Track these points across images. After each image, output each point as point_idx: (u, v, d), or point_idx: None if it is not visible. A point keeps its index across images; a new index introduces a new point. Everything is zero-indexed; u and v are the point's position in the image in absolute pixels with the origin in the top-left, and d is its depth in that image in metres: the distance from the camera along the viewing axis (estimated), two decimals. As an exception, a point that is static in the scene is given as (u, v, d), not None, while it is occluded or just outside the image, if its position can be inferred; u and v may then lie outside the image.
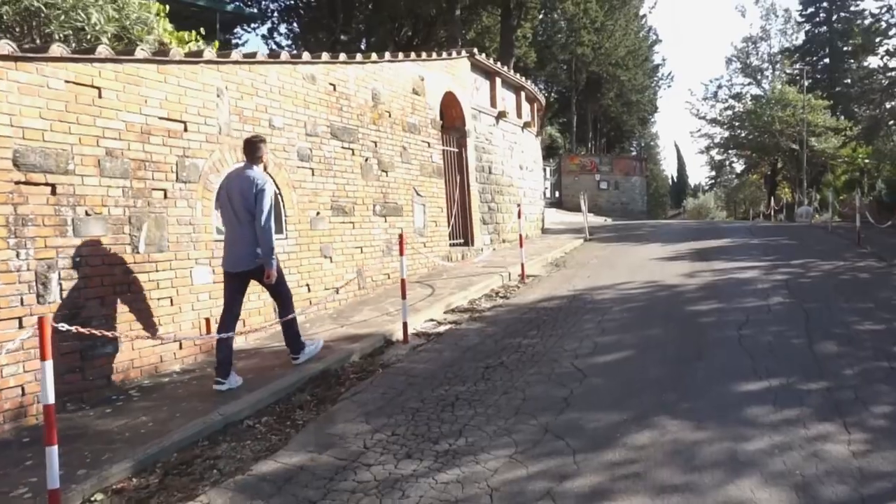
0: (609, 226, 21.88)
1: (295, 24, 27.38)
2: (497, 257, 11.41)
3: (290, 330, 5.50)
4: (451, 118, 11.80)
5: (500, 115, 13.16)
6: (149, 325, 5.38)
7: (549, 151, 44.28)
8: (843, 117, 34.28)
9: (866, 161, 25.93)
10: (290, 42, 27.10)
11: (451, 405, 4.56)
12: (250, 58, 6.61)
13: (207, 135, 5.96)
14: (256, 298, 6.34)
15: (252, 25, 25.40)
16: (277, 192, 6.77)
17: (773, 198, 34.53)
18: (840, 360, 5.16)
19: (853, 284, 8.33)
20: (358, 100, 8.49)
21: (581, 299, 8.00)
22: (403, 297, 6.53)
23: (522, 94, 14.71)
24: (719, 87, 42.34)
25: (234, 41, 22.10)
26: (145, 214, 5.33)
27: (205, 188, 5.90)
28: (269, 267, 5.10)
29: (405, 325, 6.52)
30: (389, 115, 9.24)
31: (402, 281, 6.58)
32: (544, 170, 31.23)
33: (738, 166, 48.73)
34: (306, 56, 7.58)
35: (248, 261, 5.10)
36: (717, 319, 6.56)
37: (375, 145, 8.84)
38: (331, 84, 7.98)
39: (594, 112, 40.13)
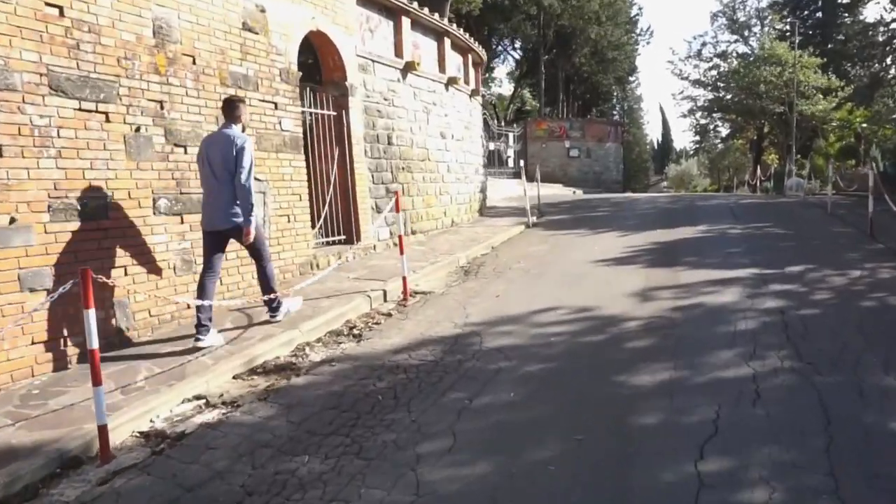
0: (570, 201, 18.89)
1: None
2: (389, 260, 8.40)
3: (268, 287, 5.53)
4: (328, 70, 8.65)
5: (409, 68, 10.01)
6: None
7: (520, 115, 41.01)
8: (834, 77, 31.25)
9: (864, 125, 22.97)
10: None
11: None
12: None
13: None
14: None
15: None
16: None
17: (758, 166, 31.71)
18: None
19: (887, 320, 5.41)
20: (118, 34, 5.34)
21: (463, 348, 5.06)
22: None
23: (447, 41, 11.52)
24: (703, 44, 39.11)
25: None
26: None
27: None
28: (247, 225, 5.18)
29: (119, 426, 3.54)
30: (193, 62, 6.11)
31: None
32: (506, 136, 28.07)
33: (724, 130, 45.80)
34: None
35: (225, 220, 5.18)
36: (666, 421, 3.60)
37: (161, 107, 5.73)
38: (51, 3, 4.83)
39: (566, 71, 36.71)
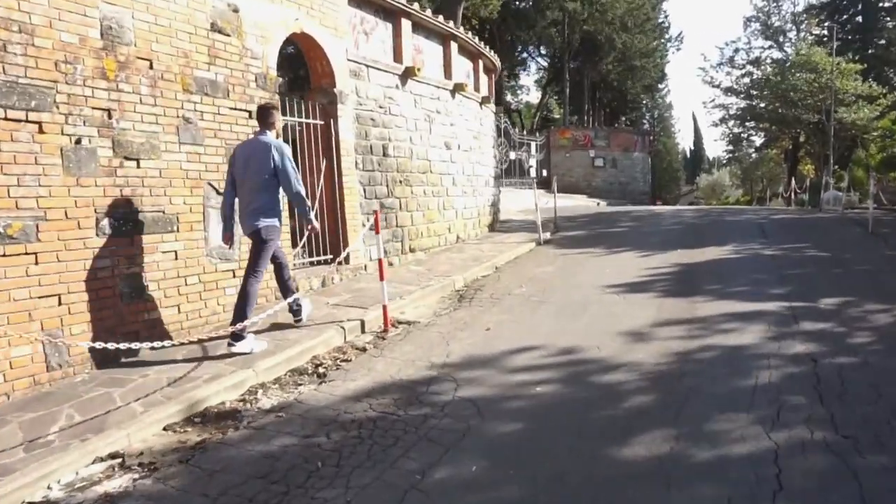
0: (591, 215, 18.00)
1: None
2: (378, 283, 7.69)
3: (244, 299, 5.27)
4: (316, 76, 8.02)
5: (408, 73, 9.33)
6: None
7: (546, 123, 40.15)
8: (875, 84, 29.77)
9: (908, 135, 21.64)
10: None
11: None
12: None
13: None
14: None
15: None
16: None
17: (793, 177, 30.35)
18: None
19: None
20: (57, 35, 4.76)
21: (433, 398, 4.35)
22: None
23: (453, 45, 10.83)
24: (736, 50, 37.69)
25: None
26: None
27: None
28: (310, 222, 5.49)
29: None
30: (150, 66, 5.51)
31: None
32: (528, 145, 27.29)
33: (758, 140, 44.25)
34: None
35: (250, 224, 5.26)
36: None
37: (108, 116, 5.14)
38: (-33, 0, 4.28)
39: (592, 79, 35.74)
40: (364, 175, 8.43)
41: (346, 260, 8.02)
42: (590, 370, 4.69)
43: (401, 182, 9.19)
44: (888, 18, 33.76)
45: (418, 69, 9.46)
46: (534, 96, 54.35)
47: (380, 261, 6.15)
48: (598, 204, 26.05)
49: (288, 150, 5.34)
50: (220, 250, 6.11)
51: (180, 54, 5.79)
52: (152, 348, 4.90)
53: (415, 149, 9.59)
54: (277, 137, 5.51)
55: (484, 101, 12.35)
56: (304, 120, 7.62)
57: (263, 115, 5.43)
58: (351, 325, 6.02)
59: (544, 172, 29.52)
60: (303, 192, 5.38)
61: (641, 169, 31.88)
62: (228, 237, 5.58)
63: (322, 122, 7.88)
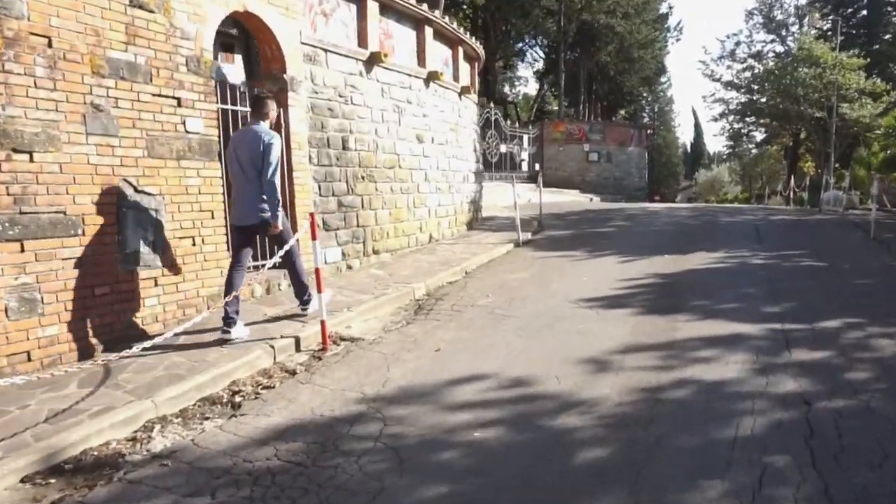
0: (580, 212, 17.24)
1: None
2: (331, 289, 6.98)
3: (298, 280, 5.76)
4: (265, 60, 7.27)
5: (374, 60, 8.57)
6: None
7: (542, 116, 39.28)
8: (879, 80, 28.96)
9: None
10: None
11: None
12: None
13: None
14: None
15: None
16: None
17: (793, 175, 29.60)
18: None
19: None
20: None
21: (353, 442, 3.65)
22: None
23: (428, 31, 10.05)
24: (737, 44, 36.72)
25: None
26: None
27: None
28: (274, 221, 5.31)
29: None
30: (49, 44, 4.77)
31: None
32: (520, 137, 26.50)
33: (758, 135, 43.42)
34: None
35: (254, 216, 5.30)
36: None
37: (-12, 100, 4.39)
38: None
39: (589, 70, 34.86)
40: (319, 170, 7.69)
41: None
42: (543, 410, 3.97)
43: (363, 178, 8.44)
44: (894, 13, 32.89)
45: (385, 55, 8.70)
46: (532, 88, 53.48)
47: (317, 270, 5.40)
48: (591, 200, 25.32)
49: (278, 140, 5.37)
50: (142, 255, 5.39)
51: (89, 32, 5.04)
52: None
53: (381, 142, 8.83)
54: (271, 128, 5.50)
55: (464, 91, 11.59)
56: (246, 109, 6.86)
57: (257, 106, 5.47)
58: (284, 342, 5.30)
59: (536, 166, 28.72)
60: (278, 185, 5.32)
61: (637, 164, 31.09)
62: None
63: (271, 112, 7.11)
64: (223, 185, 6.23)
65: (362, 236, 8.41)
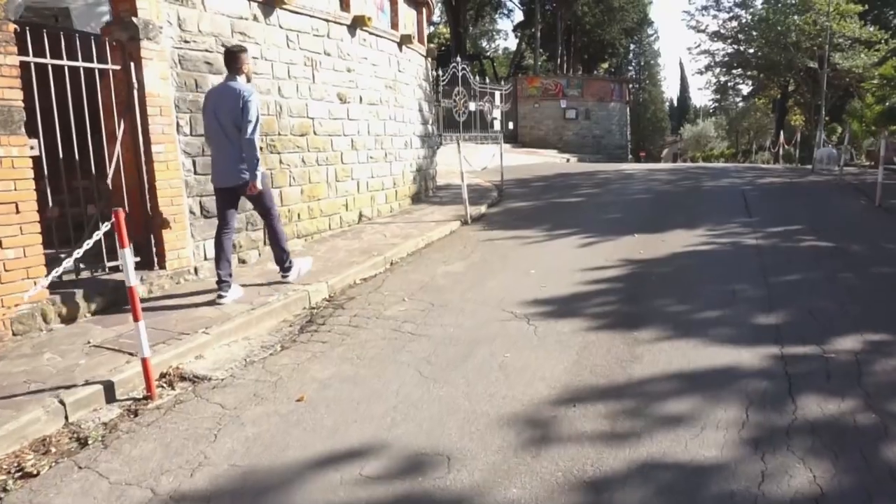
0: (550, 176, 15.62)
1: None
2: (202, 298, 5.41)
3: (278, 246, 5.55)
4: (114, 1, 5.54)
5: (274, 1, 6.82)
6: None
7: (521, 71, 37.23)
8: (874, 27, 27.24)
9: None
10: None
11: None
12: None
13: None
14: None
15: None
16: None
17: (781, 130, 28.03)
18: None
19: None
20: None
21: None
22: None
23: (353, -34, 8.25)
24: (723, -8, 34.61)
25: None
26: None
27: None
28: (254, 180, 5.12)
29: None
30: None
31: None
32: (491, 94, 24.66)
33: (745, 88, 41.70)
34: None
35: (236, 176, 5.15)
36: None
37: None
38: None
39: (567, 21, 32.71)
40: (194, 142, 6.02)
41: (161, 263, 5.68)
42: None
43: (262, 149, 6.77)
44: (890, -46, 30.89)
45: (288, -5, 6.94)
46: (512, 42, 51.15)
47: (130, 290, 3.80)
48: (568, 161, 23.70)
49: (255, 97, 5.16)
50: None
51: None
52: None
53: (287, 103, 7.15)
54: (248, 82, 5.27)
55: (405, 40, 9.82)
56: (83, 64, 5.16)
57: (231, 60, 5.18)
58: (87, 391, 3.74)
59: (510, 125, 26.99)
60: (257, 144, 5.15)
61: (619, 121, 29.34)
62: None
63: (118, 67, 5.42)
64: (46, 163, 4.59)
65: (260, 221, 6.79)
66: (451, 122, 22.09)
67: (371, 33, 8.80)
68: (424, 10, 11.34)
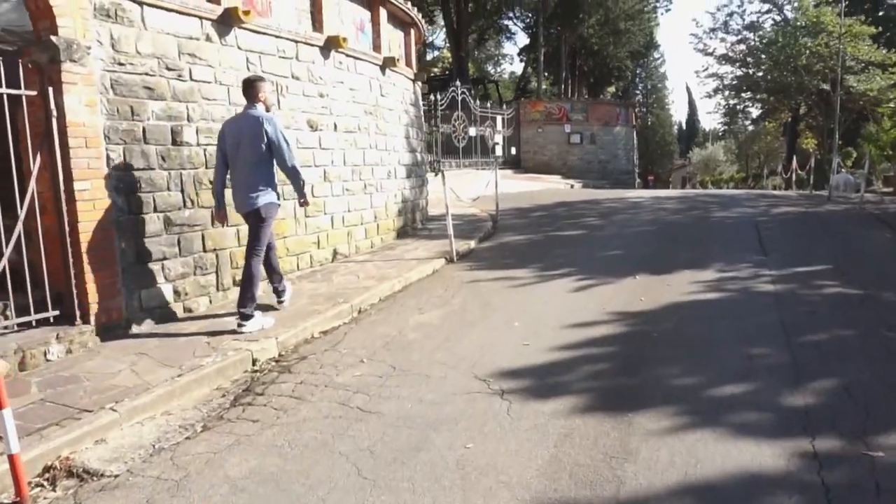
0: (551, 205, 14.85)
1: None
2: (134, 360, 4.63)
3: (248, 287, 5.14)
4: (33, 17, 4.88)
5: (230, 20, 6.15)
6: None
7: (524, 95, 36.71)
8: (887, 49, 26.50)
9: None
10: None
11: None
12: None
13: None
14: None
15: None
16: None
17: (793, 154, 27.20)
18: None
19: None
20: None
21: None
22: None
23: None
24: (730, 15, 34.03)
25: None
26: None
27: None
28: (303, 197, 5.48)
29: None
30: None
31: None
32: (493, 119, 24.04)
33: (755, 111, 40.95)
34: None
35: (246, 203, 5.18)
36: None
37: None
38: None
39: (571, 44, 32.18)
40: (127, 177, 5.29)
41: (84, 316, 4.92)
42: None
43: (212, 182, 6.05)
44: (902, -25, 30.30)
45: (247, 13, 6.26)
46: (519, 67, 50.82)
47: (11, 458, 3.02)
48: (572, 187, 22.95)
49: (279, 122, 5.26)
50: None
51: None
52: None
53: (245, 132, 6.42)
54: (267, 111, 5.29)
55: (388, 63, 9.14)
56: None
57: (249, 89, 5.20)
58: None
59: (513, 150, 26.32)
60: (298, 166, 5.33)
61: (625, 145, 28.61)
62: (222, 216, 5.42)
63: (34, 93, 4.72)
64: None
65: (212, 264, 6.04)
66: (451, 147, 21.44)
67: (348, 55, 8.12)
68: (413, 32, 10.69)
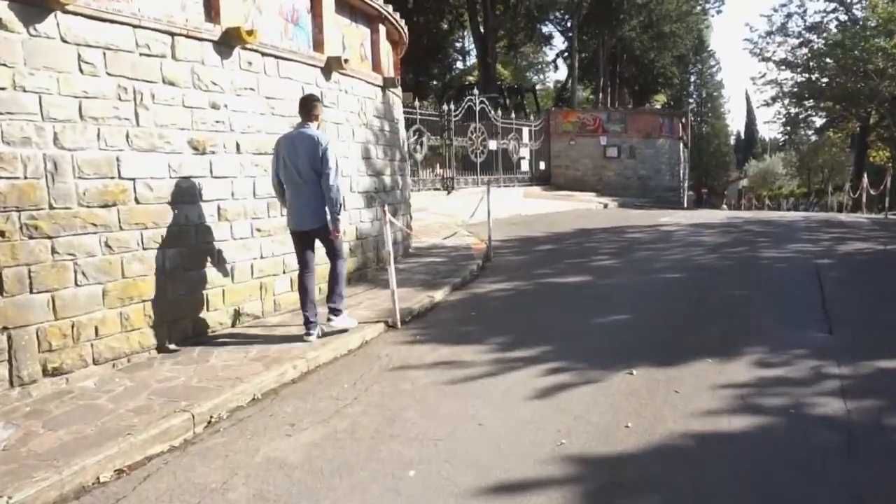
0: (568, 234, 12.61)
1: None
2: None
3: (337, 287, 5.46)
4: None
5: (50, 3, 4.31)
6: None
7: (563, 104, 34.35)
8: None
9: None
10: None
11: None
12: None
13: None
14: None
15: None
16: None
17: (862, 169, 24.13)
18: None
19: None
20: None
21: None
22: None
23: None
24: (788, 16, 30.95)
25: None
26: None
27: None
28: (336, 224, 5.31)
29: None
30: None
31: None
32: (518, 131, 21.90)
33: (818, 120, 37.51)
34: None
35: (313, 220, 5.32)
36: None
37: None
38: None
39: (611, 49, 29.72)
40: None
41: None
42: None
43: (6, 235, 4.20)
44: None
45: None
46: (562, 73, 48.41)
47: None
48: (606, 206, 20.58)
49: (332, 144, 5.34)
50: None
51: None
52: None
53: (71, 157, 4.58)
54: (319, 129, 5.41)
55: (333, 64, 7.22)
56: None
57: (306, 107, 5.33)
58: None
59: (541, 165, 24.07)
60: (341, 189, 5.32)
61: (669, 159, 25.96)
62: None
63: None
64: None
65: (9, 347, 4.18)
66: (469, 163, 19.43)
67: (265, 54, 6.22)
68: (382, 28, 8.74)
